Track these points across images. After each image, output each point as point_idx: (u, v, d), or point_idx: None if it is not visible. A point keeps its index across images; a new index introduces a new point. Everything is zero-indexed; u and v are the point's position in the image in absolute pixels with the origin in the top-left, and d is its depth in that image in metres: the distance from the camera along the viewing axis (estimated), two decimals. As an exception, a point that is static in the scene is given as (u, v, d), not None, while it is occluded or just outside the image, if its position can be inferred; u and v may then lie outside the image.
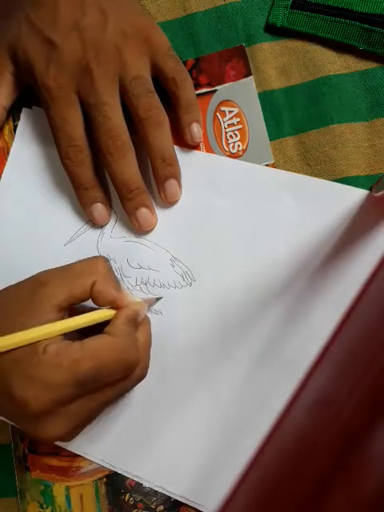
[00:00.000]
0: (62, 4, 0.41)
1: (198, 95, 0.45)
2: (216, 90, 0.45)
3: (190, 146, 0.44)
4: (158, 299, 0.44)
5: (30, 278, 0.37)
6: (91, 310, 0.38)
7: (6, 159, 0.47)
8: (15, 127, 0.47)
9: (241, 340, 0.43)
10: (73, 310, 0.38)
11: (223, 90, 0.45)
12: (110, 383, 0.36)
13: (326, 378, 0.40)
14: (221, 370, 0.43)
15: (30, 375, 0.33)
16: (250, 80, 0.44)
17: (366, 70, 0.43)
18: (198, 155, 0.45)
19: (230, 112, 0.45)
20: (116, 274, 0.45)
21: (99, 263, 0.38)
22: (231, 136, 0.45)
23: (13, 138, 0.47)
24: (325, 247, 0.42)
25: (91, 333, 0.36)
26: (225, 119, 0.45)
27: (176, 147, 0.44)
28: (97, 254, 0.45)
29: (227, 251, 0.44)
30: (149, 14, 0.45)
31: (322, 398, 0.39)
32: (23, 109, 0.47)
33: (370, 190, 0.42)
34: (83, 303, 0.38)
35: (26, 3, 0.42)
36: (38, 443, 0.45)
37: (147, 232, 0.44)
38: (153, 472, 0.43)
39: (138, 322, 0.39)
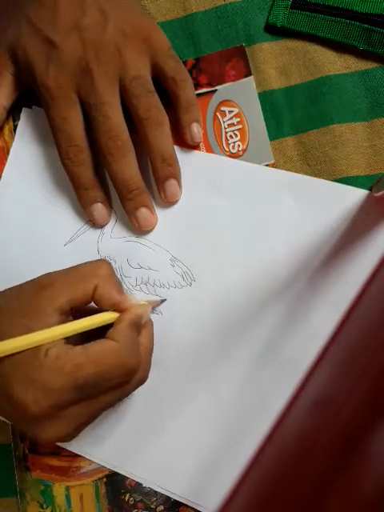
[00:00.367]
0: (62, 4, 0.41)
1: (198, 95, 0.45)
2: (216, 90, 0.45)
3: (190, 146, 0.44)
4: (162, 301, 0.44)
5: (32, 280, 0.37)
6: (95, 311, 0.38)
7: (6, 159, 0.47)
8: (15, 127, 0.47)
9: (241, 340, 0.43)
10: (76, 311, 0.38)
11: (223, 89, 0.45)
12: (111, 388, 0.36)
13: (326, 378, 0.40)
14: (221, 369, 0.43)
15: (30, 378, 0.33)
16: (250, 80, 0.44)
17: (366, 69, 0.43)
18: (198, 155, 0.45)
19: (230, 112, 0.45)
20: (116, 274, 0.45)
21: (101, 266, 0.38)
22: (231, 136, 0.45)
23: (13, 137, 0.47)
24: (325, 247, 0.42)
25: (94, 335, 0.36)
26: (225, 119, 0.45)
27: (176, 147, 0.44)
28: (97, 254, 0.45)
29: (227, 251, 0.44)
30: (149, 14, 0.45)
31: (322, 397, 0.39)
32: (23, 109, 0.47)
33: (370, 190, 0.42)
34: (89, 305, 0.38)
35: (26, 3, 0.42)
36: (38, 443, 0.44)
37: (147, 232, 0.44)
38: (153, 472, 0.43)
39: (141, 326, 0.38)
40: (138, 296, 0.44)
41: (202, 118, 0.45)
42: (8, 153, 0.47)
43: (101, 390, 0.35)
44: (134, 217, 0.43)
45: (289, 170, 0.44)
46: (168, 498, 0.43)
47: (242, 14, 0.45)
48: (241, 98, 0.45)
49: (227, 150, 0.45)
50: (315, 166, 0.43)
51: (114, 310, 0.38)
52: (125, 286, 0.45)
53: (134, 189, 0.42)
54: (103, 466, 0.44)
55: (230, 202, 0.44)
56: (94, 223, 0.45)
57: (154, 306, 0.43)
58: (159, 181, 0.43)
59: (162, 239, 0.45)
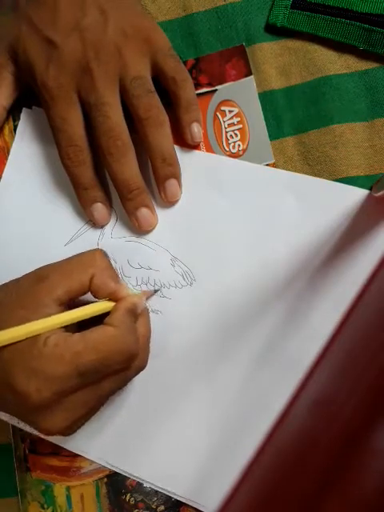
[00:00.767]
0: (62, 4, 0.41)
1: (198, 95, 0.45)
2: (216, 90, 0.45)
3: (190, 146, 0.44)
4: (156, 291, 0.44)
5: (30, 273, 0.38)
6: (90, 303, 0.38)
7: (6, 159, 0.47)
8: (15, 127, 0.47)
9: (241, 339, 0.43)
10: (73, 304, 0.38)
11: (223, 89, 0.45)
12: (111, 373, 0.36)
13: (326, 378, 0.40)
14: (221, 369, 0.43)
15: (31, 368, 0.34)
16: (251, 80, 0.44)
17: (366, 69, 0.43)
18: (199, 155, 0.45)
19: (230, 112, 0.45)
20: (116, 272, 0.45)
21: (97, 256, 0.38)
22: (231, 136, 0.45)
23: (13, 137, 0.47)
24: (325, 247, 0.42)
25: (91, 325, 0.36)
26: (225, 119, 0.45)
27: (176, 147, 0.44)
28: None
29: (227, 251, 0.44)
30: (149, 14, 0.45)
31: (322, 397, 0.39)
32: (23, 109, 0.47)
33: (370, 190, 0.42)
34: (85, 298, 0.38)
35: (27, 3, 0.42)
36: (39, 443, 0.45)
37: (147, 232, 0.44)
38: (153, 472, 0.43)
39: (137, 314, 0.39)
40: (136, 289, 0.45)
41: (202, 118, 0.44)
42: (8, 153, 0.47)
43: (102, 376, 0.35)
44: (135, 217, 0.43)
45: (289, 169, 0.44)
46: (169, 497, 0.43)
47: (242, 13, 0.45)
48: (241, 97, 0.45)
49: (227, 149, 0.45)
50: (315, 165, 0.43)
51: (110, 299, 0.38)
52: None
53: (135, 189, 0.42)
54: (104, 466, 0.44)
55: (230, 202, 0.44)
56: (94, 223, 0.45)
57: (148, 295, 0.43)
58: (159, 180, 0.43)
59: (162, 239, 0.45)
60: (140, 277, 0.45)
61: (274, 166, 0.44)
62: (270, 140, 0.44)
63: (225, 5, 0.45)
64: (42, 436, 0.43)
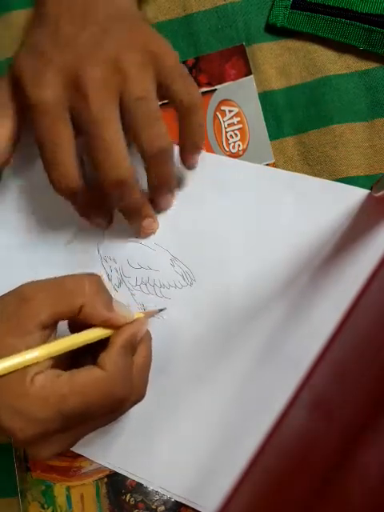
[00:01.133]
0: (62, 21, 0.39)
1: (198, 94, 0.45)
2: (216, 90, 0.45)
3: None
4: (160, 310, 0.43)
5: (15, 290, 0.35)
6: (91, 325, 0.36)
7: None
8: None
9: (241, 339, 0.43)
10: (72, 324, 0.37)
11: (223, 89, 0.45)
12: (99, 416, 0.35)
13: (326, 378, 0.40)
14: (222, 369, 0.43)
15: (15, 407, 0.32)
16: (250, 79, 0.44)
17: (366, 69, 0.43)
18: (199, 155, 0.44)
19: (230, 111, 0.45)
20: (116, 273, 0.45)
21: (87, 282, 0.35)
22: (231, 135, 0.45)
23: None
24: (326, 247, 0.42)
25: (87, 347, 0.35)
26: (225, 119, 0.45)
27: (176, 147, 0.43)
28: (97, 254, 0.45)
29: (227, 251, 0.44)
30: (155, 30, 0.41)
31: (322, 398, 0.39)
32: None
33: (370, 190, 0.42)
34: None
35: (29, 22, 0.42)
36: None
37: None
38: (153, 473, 0.43)
39: (135, 345, 0.36)
40: (138, 296, 0.44)
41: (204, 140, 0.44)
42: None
43: (88, 418, 0.34)
44: (136, 225, 0.44)
45: (289, 170, 0.44)
46: (169, 498, 0.43)
47: (242, 13, 0.44)
48: (241, 97, 0.45)
49: (227, 149, 0.45)
50: (315, 166, 0.43)
51: (105, 327, 0.36)
52: (125, 286, 0.45)
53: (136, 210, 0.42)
54: (104, 466, 0.44)
55: (230, 202, 0.44)
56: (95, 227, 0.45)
57: (150, 315, 0.42)
58: (154, 196, 0.43)
59: (162, 239, 0.45)
60: (140, 277, 0.45)
61: (274, 165, 0.44)
62: (270, 140, 0.44)
63: (225, 5, 0.45)
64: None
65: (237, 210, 0.44)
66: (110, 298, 0.36)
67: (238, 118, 0.44)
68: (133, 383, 0.36)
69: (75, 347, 0.34)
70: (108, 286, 0.37)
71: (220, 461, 0.42)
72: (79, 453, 0.44)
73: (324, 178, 0.43)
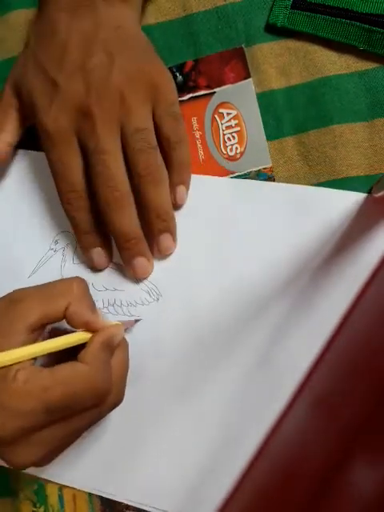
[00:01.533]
0: (70, 44, 0.40)
1: (197, 97, 0.45)
2: (214, 92, 0.45)
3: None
4: (136, 321, 0.43)
5: (5, 296, 0.37)
6: (69, 331, 0.37)
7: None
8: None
9: (217, 351, 0.43)
10: (51, 331, 0.38)
11: (222, 92, 0.45)
12: (81, 411, 0.35)
13: (326, 378, 0.39)
14: (200, 382, 0.43)
15: None
16: (249, 82, 0.44)
17: (366, 70, 0.43)
18: None
19: (228, 114, 0.45)
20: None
21: (75, 284, 0.37)
22: (229, 138, 0.44)
23: None
24: (326, 247, 0.42)
25: (67, 355, 0.36)
26: (223, 121, 0.45)
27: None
28: None
29: (191, 264, 0.44)
30: (159, 60, 0.43)
31: (322, 398, 0.39)
32: None
33: (370, 190, 0.42)
34: (62, 324, 0.38)
35: (35, 41, 0.42)
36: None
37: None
38: (141, 493, 0.42)
39: (113, 346, 0.38)
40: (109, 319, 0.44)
41: (190, 177, 0.44)
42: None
43: (71, 413, 0.34)
44: (131, 265, 0.43)
45: (288, 170, 0.44)
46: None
47: (242, 14, 0.45)
48: (239, 100, 0.45)
49: (225, 152, 0.44)
50: (315, 166, 0.43)
51: (86, 330, 0.37)
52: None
53: (132, 238, 0.42)
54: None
55: (189, 217, 0.44)
56: (93, 267, 0.44)
57: (128, 326, 0.43)
58: (153, 234, 0.43)
59: None
60: (106, 299, 0.44)
61: (272, 169, 0.44)
62: (270, 140, 0.44)
63: (225, 5, 0.45)
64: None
65: (197, 224, 0.44)
66: (94, 303, 0.38)
67: (236, 121, 0.44)
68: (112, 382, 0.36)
69: (56, 349, 0.36)
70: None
71: (209, 474, 0.42)
72: (61, 483, 0.44)
73: (324, 178, 0.43)
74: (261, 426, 0.41)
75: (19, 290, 0.37)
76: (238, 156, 0.44)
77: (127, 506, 0.43)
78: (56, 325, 0.38)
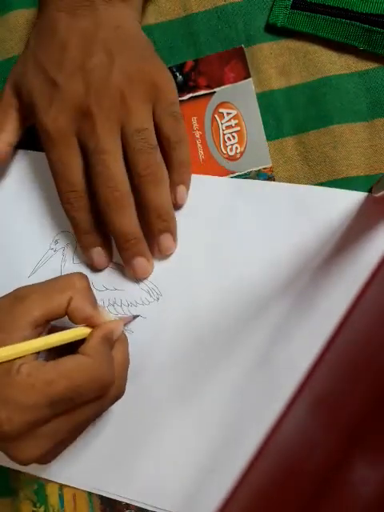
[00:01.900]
0: (70, 44, 0.40)
1: (197, 97, 0.45)
2: (214, 92, 0.45)
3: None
4: (135, 317, 0.44)
5: (10, 293, 0.37)
6: (69, 328, 0.38)
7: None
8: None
9: (217, 350, 0.43)
10: (51, 328, 0.38)
11: (222, 91, 0.45)
12: (85, 403, 0.35)
13: (326, 379, 0.39)
14: (200, 381, 0.43)
15: (2, 396, 0.33)
16: (249, 82, 0.44)
17: (366, 70, 0.43)
18: None
19: (228, 114, 0.45)
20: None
21: (77, 279, 0.38)
22: (229, 138, 0.44)
23: None
24: (326, 247, 0.42)
25: (68, 352, 0.36)
26: (223, 121, 0.45)
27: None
28: None
29: (191, 263, 0.44)
30: (159, 59, 0.43)
31: (322, 398, 0.39)
32: None
33: (370, 190, 0.42)
34: (62, 322, 0.38)
35: (35, 41, 0.42)
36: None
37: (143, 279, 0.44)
38: (141, 492, 0.43)
39: (113, 341, 0.38)
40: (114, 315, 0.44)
41: (190, 177, 0.44)
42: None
43: (75, 405, 0.35)
44: (131, 265, 0.43)
45: (289, 170, 0.44)
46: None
47: (242, 14, 0.44)
48: (239, 100, 0.45)
49: (225, 152, 0.44)
50: (315, 166, 0.43)
51: (87, 325, 0.38)
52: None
53: (132, 239, 0.42)
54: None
55: (189, 217, 0.44)
56: (93, 266, 0.44)
57: (127, 321, 0.43)
58: (153, 234, 0.43)
59: None
60: (106, 298, 0.44)
61: (272, 169, 0.44)
62: (270, 140, 0.44)
63: (225, 5, 0.45)
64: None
65: (197, 223, 0.44)
66: (95, 299, 0.39)
67: (236, 121, 0.44)
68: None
69: (59, 344, 0.36)
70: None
71: (210, 472, 0.42)
72: (62, 482, 0.44)
73: (324, 179, 0.43)
74: (261, 426, 0.41)
75: (24, 287, 0.37)
76: (238, 156, 0.44)
77: (127, 506, 0.43)
78: (55, 323, 0.38)
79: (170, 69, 0.45)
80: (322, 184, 0.43)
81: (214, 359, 0.42)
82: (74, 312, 0.36)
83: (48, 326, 0.37)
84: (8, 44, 0.48)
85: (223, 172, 0.44)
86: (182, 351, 0.43)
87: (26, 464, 0.35)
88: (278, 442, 0.40)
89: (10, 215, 0.46)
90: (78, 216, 0.42)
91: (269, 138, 0.44)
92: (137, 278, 0.44)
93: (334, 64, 0.43)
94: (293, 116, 0.44)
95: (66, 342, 0.36)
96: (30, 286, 0.37)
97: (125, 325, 0.42)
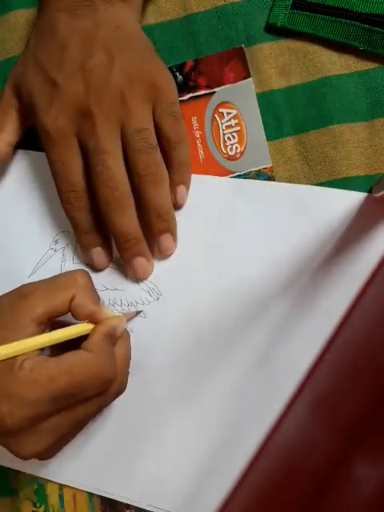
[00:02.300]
0: (70, 44, 0.40)
1: (197, 97, 0.45)
2: (214, 92, 0.45)
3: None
4: (138, 313, 0.44)
5: (13, 290, 0.37)
6: (71, 324, 0.38)
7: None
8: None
9: (217, 350, 0.43)
10: (54, 324, 0.38)
11: (222, 91, 0.45)
12: (87, 399, 0.35)
13: (326, 379, 0.39)
14: (199, 381, 0.43)
15: (5, 391, 0.33)
16: (249, 82, 0.44)
17: (366, 70, 0.43)
18: None
19: (228, 114, 0.45)
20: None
21: (80, 276, 0.38)
22: (229, 138, 0.44)
23: None
24: (325, 247, 0.42)
25: (70, 348, 0.36)
26: (223, 121, 0.45)
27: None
28: None
29: (191, 263, 0.44)
30: (159, 59, 0.43)
31: (322, 398, 0.39)
32: None
33: (370, 190, 0.42)
34: (64, 318, 0.38)
35: (35, 41, 0.42)
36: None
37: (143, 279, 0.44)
38: (141, 492, 0.43)
39: (115, 337, 0.38)
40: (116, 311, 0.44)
41: (190, 178, 0.44)
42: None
43: (77, 401, 0.35)
44: (131, 265, 0.43)
45: (288, 170, 0.44)
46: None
47: (242, 14, 0.44)
48: (239, 99, 0.45)
49: (225, 152, 0.44)
50: (315, 166, 0.43)
51: (89, 321, 0.38)
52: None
53: (132, 239, 0.42)
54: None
55: (189, 217, 0.44)
56: (93, 266, 0.44)
57: (129, 317, 0.43)
58: (153, 234, 0.43)
59: None
60: (107, 298, 0.44)
61: (272, 169, 0.44)
62: (270, 140, 0.44)
63: (225, 5, 0.45)
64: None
65: (196, 223, 0.44)
66: (97, 295, 0.39)
67: (236, 121, 0.44)
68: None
69: (61, 340, 0.36)
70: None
71: (210, 472, 0.42)
72: (61, 482, 0.44)
73: (324, 179, 0.43)
74: (261, 426, 0.41)
75: (27, 284, 0.37)
76: (238, 156, 0.44)
77: (127, 506, 0.43)
78: (58, 320, 0.38)
79: (170, 69, 0.45)
80: (322, 184, 0.43)
81: (213, 359, 0.42)
82: (77, 309, 0.37)
83: (51, 322, 0.37)
84: (8, 44, 0.48)
85: (223, 172, 0.44)
86: (182, 351, 0.43)
87: (26, 459, 0.35)
88: (278, 442, 0.40)
89: (10, 215, 0.46)
90: (77, 216, 0.42)
91: (269, 137, 0.44)
92: (137, 278, 0.44)
93: (334, 64, 0.43)
94: (293, 116, 0.44)
95: (69, 338, 0.37)
96: (33, 283, 0.37)
97: (128, 320, 0.42)
